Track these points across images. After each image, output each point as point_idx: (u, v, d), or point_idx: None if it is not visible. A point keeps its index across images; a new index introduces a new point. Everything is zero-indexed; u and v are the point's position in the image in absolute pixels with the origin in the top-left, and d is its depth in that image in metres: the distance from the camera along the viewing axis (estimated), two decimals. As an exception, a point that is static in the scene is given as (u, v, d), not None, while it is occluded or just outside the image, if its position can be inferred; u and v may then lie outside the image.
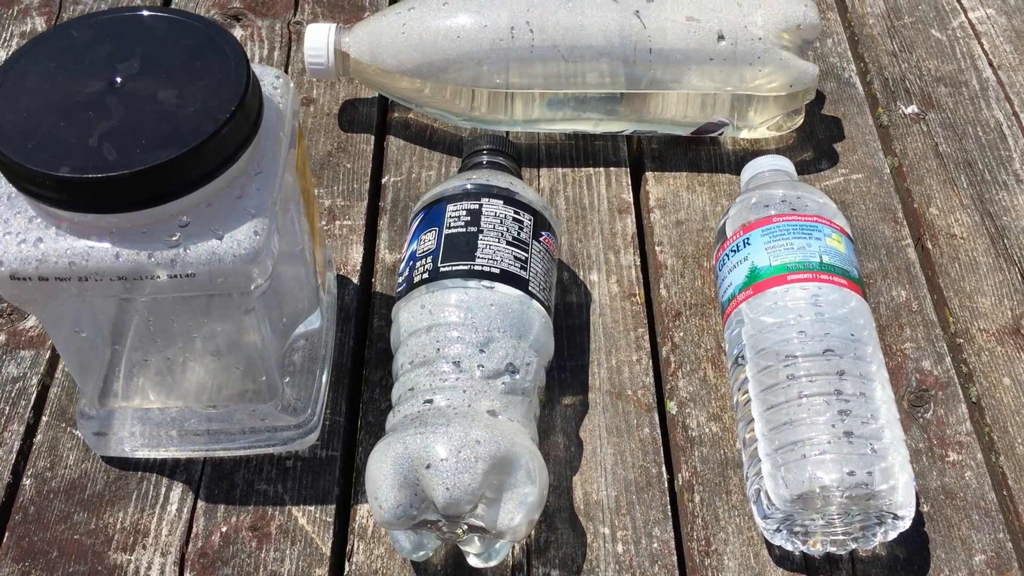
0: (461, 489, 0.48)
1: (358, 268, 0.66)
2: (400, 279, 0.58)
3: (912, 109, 0.76)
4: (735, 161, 0.72)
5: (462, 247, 0.56)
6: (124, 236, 0.44)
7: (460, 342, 0.53)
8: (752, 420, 0.54)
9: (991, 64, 0.80)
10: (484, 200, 0.58)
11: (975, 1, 0.84)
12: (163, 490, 0.56)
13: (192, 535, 0.54)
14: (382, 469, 0.49)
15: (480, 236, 0.56)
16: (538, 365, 0.55)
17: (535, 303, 0.56)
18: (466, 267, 0.55)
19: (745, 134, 0.72)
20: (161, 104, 0.45)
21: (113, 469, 0.57)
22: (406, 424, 0.51)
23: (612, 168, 0.72)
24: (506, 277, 0.55)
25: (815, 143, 0.74)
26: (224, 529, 0.55)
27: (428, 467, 0.48)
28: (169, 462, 0.57)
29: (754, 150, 0.73)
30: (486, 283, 0.55)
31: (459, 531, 0.50)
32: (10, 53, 0.79)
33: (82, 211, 0.43)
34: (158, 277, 0.45)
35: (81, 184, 0.42)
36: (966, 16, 0.84)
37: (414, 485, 0.49)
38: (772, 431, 0.52)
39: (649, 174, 0.72)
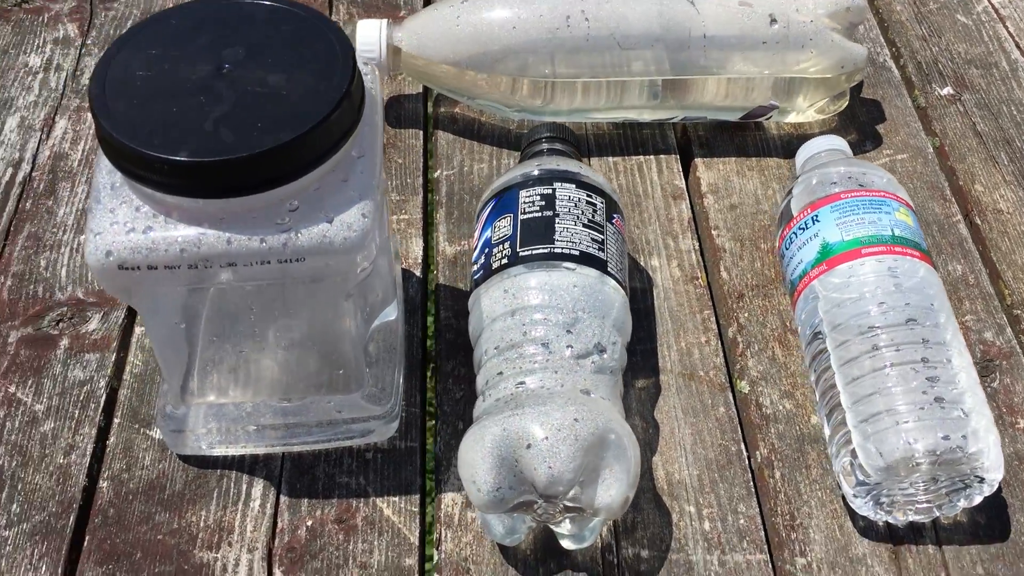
0: (562, 468, 0.48)
1: (419, 261, 0.66)
2: (475, 267, 0.58)
3: (947, 90, 0.78)
4: (781, 145, 0.73)
5: (540, 231, 0.56)
6: (234, 222, 0.44)
7: (546, 324, 0.53)
8: (833, 394, 0.54)
9: (1018, 46, 0.81)
10: (557, 184, 0.58)
11: (997, -15, 0.86)
12: (244, 487, 0.56)
13: (278, 530, 0.54)
14: (479, 452, 0.49)
15: (557, 219, 0.56)
16: (622, 344, 0.55)
17: (614, 283, 0.56)
18: (546, 250, 0.55)
19: (792, 118, 0.72)
20: (271, 89, 0.45)
21: (191, 468, 0.56)
22: (500, 407, 0.51)
23: (662, 155, 0.73)
24: (586, 259, 0.55)
25: (858, 126, 0.75)
26: (309, 523, 0.54)
27: (528, 447, 0.48)
28: (248, 459, 0.57)
29: (799, 134, 0.74)
30: (567, 265, 0.55)
31: (555, 512, 0.50)
32: (45, 59, 0.79)
33: (197, 196, 0.43)
34: (269, 262, 0.44)
35: (200, 168, 0.42)
36: (989, 1, 0.85)
37: (513, 466, 0.49)
38: (858, 403, 0.53)
39: (698, 160, 0.72)
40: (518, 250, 0.56)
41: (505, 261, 0.56)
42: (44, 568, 0.52)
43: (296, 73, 0.46)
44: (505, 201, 0.59)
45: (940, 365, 0.52)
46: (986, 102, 0.77)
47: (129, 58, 0.46)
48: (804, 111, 0.72)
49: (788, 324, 0.63)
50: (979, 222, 0.69)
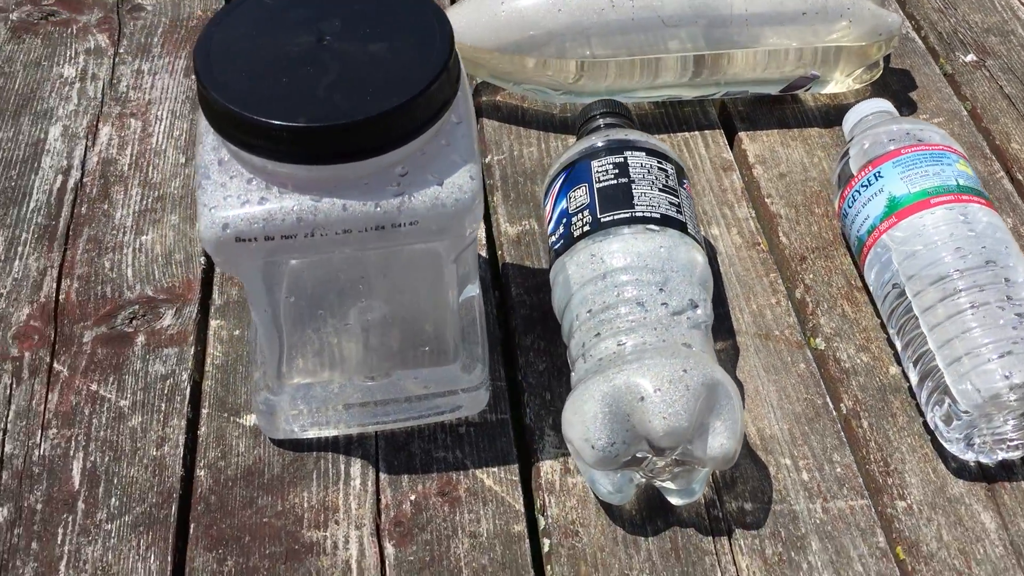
0: (678, 418, 0.49)
1: (483, 242, 0.67)
2: (554, 238, 0.59)
3: (971, 57, 0.80)
4: (820, 116, 0.75)
5: (619, 197, 0.57)
6: (347, 188, 0.44)
7: (638, 284, 0.54)
8: (918, 342, 0.55)
9: (1031, 13, 0.84)
10: (627, 153, 0.59)
11: (1003, -42, 0.89)
12: (342, 466, 0.55)
13: (382, 506, 0.54)
14: (590, 409, 0.50)
15: (633, 185, 0.57)
16: (709, 300, 0.56)
17: (695, 243, 0.57)
18: (628, 214, 0.56)
19: (830, 88, 0.74)
20: (374, 57, 0.45)
21: (287, 452, 0.56)
22: (603, 366, 0.51)
23: (706, 131, 0.74)
24: (666, 220, 0.56)
25: (891, 94, 0.77)
26: (413, 497, 0.54)
27: (641, 400, 0.49)
28: (342, 439, 0.56)
29: (835, 104, 0.76)
30: (651, 227, 0.56)
31: (665, 466, 0.51)
32: (79, 69, 0.78)
33: (313, 163, 0.44)
34: (383, 227, 0.45)
35: (320, 133, 0.42)
36: (996, -27, 0.88)
37: (625, 421, 0.49)
38: (946, 346, 0.54)
39: (742, 134, 0.74)
40: (599, 216, 0.56)
41: (587, 228, 0.56)
42: (152, 557, 0.52)
43: (395, 42, 0.46)
44: (577, 173, 0.59)
45: (1022, 303, 0.54)
46: (1009, 67, 0.79)
47: (228, 35, 0.47)
48: (841, 81, 0.74)
49: (853, 282, 0.64)
50: (1020, 178, 0.71)
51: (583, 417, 0.50)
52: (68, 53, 0.80)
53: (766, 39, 0.70)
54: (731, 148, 0.74)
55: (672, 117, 0.75)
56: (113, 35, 0.82)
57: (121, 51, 0.81)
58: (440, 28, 0.47)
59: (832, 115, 0.75)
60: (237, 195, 0.44)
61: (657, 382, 0.49)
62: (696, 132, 0.74)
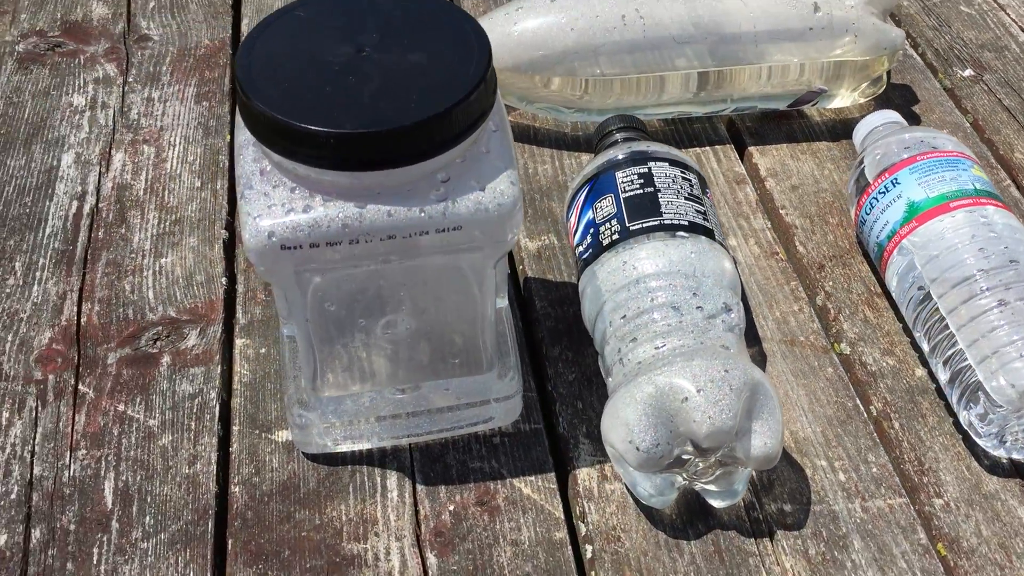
0: (722, 417, 0.49)
1: (505, 257, 0.67)
2: (581, 248, 0.59)
3: (968, 72, 0.82)
4: (827, 130, 0.76)
5: (646, 205, 0.58)
6: (391, 195, 0.45)
7: (671, 289, 0.54)
8: (947, 343, 0.56)
9: (1023, 29, 0.86)
10: (651, 164, 0.60)
11: (992, -22, 0.91)
12: (378, 479, 0.55)
13: (421, 517, 0.54)
14: (634, 411, 0.50)
15: (660, 194, 0.58)
16: (740, 305, 0.56)
17: (723, 249, 0.57)
18: (656, 222, 0.57)
19: (836, 103, 0.76)
20: (414, 67, 0.46)
21: (322, 466, 0.56)
22: (643, 369, 0.51)
23: (716, 146, 0.75)
24: (694, 227, 0.57)
25: (894, 108, 0.77)
26: (451, 508, 0.54)
27: (684, 400, 0.49)
28: (376, 453, 0.56)
29: (840, 119, 0.77)
30: (680, 234, 0.56)
31: (707, 467, 0.51)
32: (89, 98, 0.78)
33: (359, 169, 0.44)
34: (427, 233, 0.45)
35: (366, 139, 0.43)
36: (985, -8, 0.90)
37: (669, 422, 0.49)
38: (975, 344, 0.54)
39: (752, 148, 0.75)
40: (628, 225, 0.57)
41: (616, 236, 0.57)
42: (191, 574, 0.51)
43: (433, 51, 0.47)
44: (601, 184, 0.60)
45: (1049, 298, 0.55)
46: (1006, 80, 0.81)
47: (267, 48, 0.47)
48: (847, 96, 0.75)
49: (873, 288, 0.65)
50: (1026, 185, 0.73)
51: (626, 420, 0.50)
52: (77, 83, 0.80)
53: (772, 55, 0.72)
54: (742, 162, 0.75)
55: (682, 133, 0.76)
56: (121, 64, 0.82)
57: (130, 80, 0.81)
58: (477, 38, 0.47)
59: (839, 129, 0.76)
60: (281, 203, 0.45)
61: (700, 383, 0.49)
62: (707, 147, 0.75)
